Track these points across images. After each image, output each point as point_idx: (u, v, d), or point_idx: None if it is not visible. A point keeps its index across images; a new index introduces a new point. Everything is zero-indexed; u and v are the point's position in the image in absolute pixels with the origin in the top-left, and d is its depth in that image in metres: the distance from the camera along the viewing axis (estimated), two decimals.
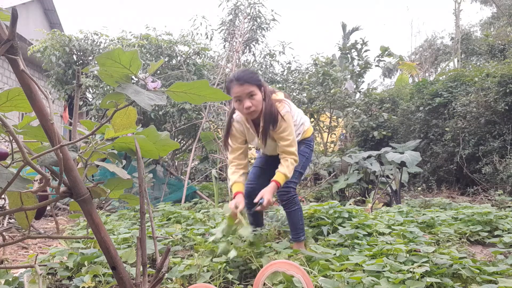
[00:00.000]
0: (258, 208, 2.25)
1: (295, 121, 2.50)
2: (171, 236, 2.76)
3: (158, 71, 5.92)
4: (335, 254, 2.16)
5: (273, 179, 2.30)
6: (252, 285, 1.82)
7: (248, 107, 2.22)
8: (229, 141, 2.46)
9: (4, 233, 2.48)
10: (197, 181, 6.34)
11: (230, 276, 1.98)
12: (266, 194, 2.24)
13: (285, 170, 2.31)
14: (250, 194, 2.39)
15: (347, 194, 5.56)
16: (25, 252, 2.83)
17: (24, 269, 2.05)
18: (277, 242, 2.44)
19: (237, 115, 2.42)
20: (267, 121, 2.29)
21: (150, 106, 0.90)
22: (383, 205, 4.52)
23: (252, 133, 2.40)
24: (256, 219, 2.64)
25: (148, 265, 1.13)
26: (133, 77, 0.99)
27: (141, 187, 1.14)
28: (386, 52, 7.58)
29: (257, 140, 2.40)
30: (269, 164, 2.53)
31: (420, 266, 1.84)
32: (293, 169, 2.33)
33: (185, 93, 1.00)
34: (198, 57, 6.47)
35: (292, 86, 7.47)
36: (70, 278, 2.07)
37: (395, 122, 7.22)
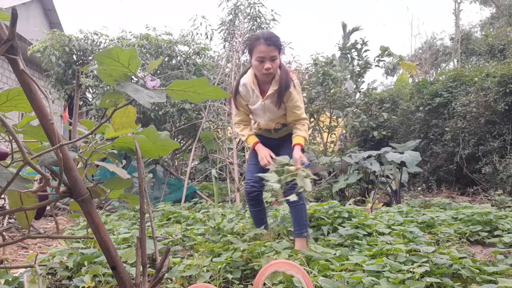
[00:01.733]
0: (307, 168, 2.26)
1: None
2: (171, 236, 2.76)
3: (158, 71, 5.92)
4: (335, 254, 2.16)
5: (296, 143, 2.38)
6: (252, 285, 1.82)
7: (268, 68, 2.30)
8: (237, 104, 2.55)
9: (4, 233, 2.48)
10: (197, 181, 6.34)
11: (230, 276, 1.98)
12: (303, 156, 2.31)
13: (304, 133, 2.43)
14: (250, 193, 2.56)
15: (347, 194, 5.56)
16: (25, 252, 2.83)
17: (24, 269, 2.05)
18: (277, 242, 2.44)
19: (244, 79, 2.50)
20: (282, 85, 2.37)
21: (149, 104, 0.90)
22: (383, 205, 4.52)
23: (257, 95, 2.46)
24: (263, 219, 2.72)
25: (148, 265, 1.13)
26: (133, 77, 0.99)
27: (141, 187, 1.14)
28: (386, 52, 7.56)
29: (261, 103, 2.46)
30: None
31: (420, 266, 1.84)
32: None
33: (184, 92, 1.00)
34: (198, 57, 6.47)
35: None
36: (70, 278, 2.07)
37: (395, 122, 7.22)
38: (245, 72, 2.55)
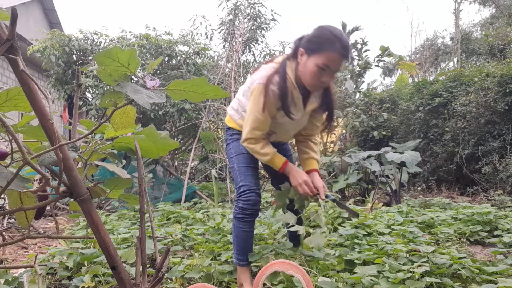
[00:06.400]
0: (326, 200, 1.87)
1: None
2: (171, 236, 2.76)
3: (158, 71, 5.92)
4: (334, 254, 2.16)
5: (314, 169, 1.98)
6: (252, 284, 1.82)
7: (325, 82, 1.79)
8: (264, 110, 1.80)
9: (4, 233, 2.48)
10: (197, 181, 6.34)
11: (229, 276, 1.97)
12: (325, 186, 1.92)
13: (318, 157, 2.04)
14: (255, 203, 1.92)
15: (346, 194, 5.56)
16: (25, 252, 2.83)
17: (23, 269, 2.05)
18: (278, 242, 2.44)
19: (286, 78, 1.84)
20: (324, 105, 1.95)
21: (149, 105, 0.90)
22: (382, 205, 4.52)
23: (300, 107, 1.89)
24: (252, 243, 2.06)
25: (148, 265, 1.13)
26: (133, 76, 0.99)
27: (141, 187, 1.14)
28: (386, 52, 7.58)
29: (300, 116, 1.92)
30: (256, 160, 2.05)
31: (420, 266, 1.84)
32: None
33: (184, 91, 1.00)
34: (198, 57, 6.47)
35: None
36: (69, 278, 2.07)
37: (395, 122, 7.22)
38: (284, 70, 1.83)
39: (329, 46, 1.70)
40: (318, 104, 1.94)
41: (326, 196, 1.88)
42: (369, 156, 5.12)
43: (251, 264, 2.00)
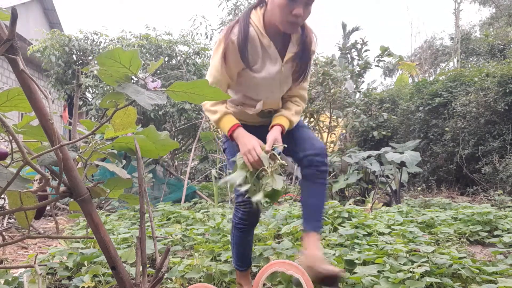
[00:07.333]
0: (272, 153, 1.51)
1: None
2: (171, 236, 2.76)
3: (158, 71, 5.92)
4: (334, 254, 2.16)
5: (278, 123, 1.65)
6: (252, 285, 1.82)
7: (298, 15, 1.50)
8: (221, 66, 1.60)
9: (3, 233, 2.48)
10: (197, 181, 6.34)
11: (229, 276, 1.97)
12: (279, 139, 1.58)
13: (292, 117, 1.70)
14: (256, 212, 1.72)
15: (346, 194, 5.55)
16: (25, 252, 2.83)
17: (23, 269, 2.05)
18: (278, 243, 2.44)
19: (248, 26, 1.59)
20: (307, 47, 1.66)
21: (150, 106, 0.90)
22: (382, 205, 4.52)
23: (275, 56, 1.63)
24: (251, 251, 1.91)
25: (148, 265, 1.13)
26: (133, 77, 0.99)
27: (140, 187, 1.14)
28: (386, 52, 7.57)
29: (279, 69, 1.64)
30: None
31: (419, 266, 1.84)
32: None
33: (185, 93, 1.00)
34: (198, 57, 6.47)
35: None
36: (69, 278, 2.07)
37: (395, 122, 7.22)
38: (245, 17, 1.61)
39: None
40: (299, 49, 1.66)
41: (273, 150, 1.54)
42: (369, 156, 5.12)
43: (251, 265, 2.00)
